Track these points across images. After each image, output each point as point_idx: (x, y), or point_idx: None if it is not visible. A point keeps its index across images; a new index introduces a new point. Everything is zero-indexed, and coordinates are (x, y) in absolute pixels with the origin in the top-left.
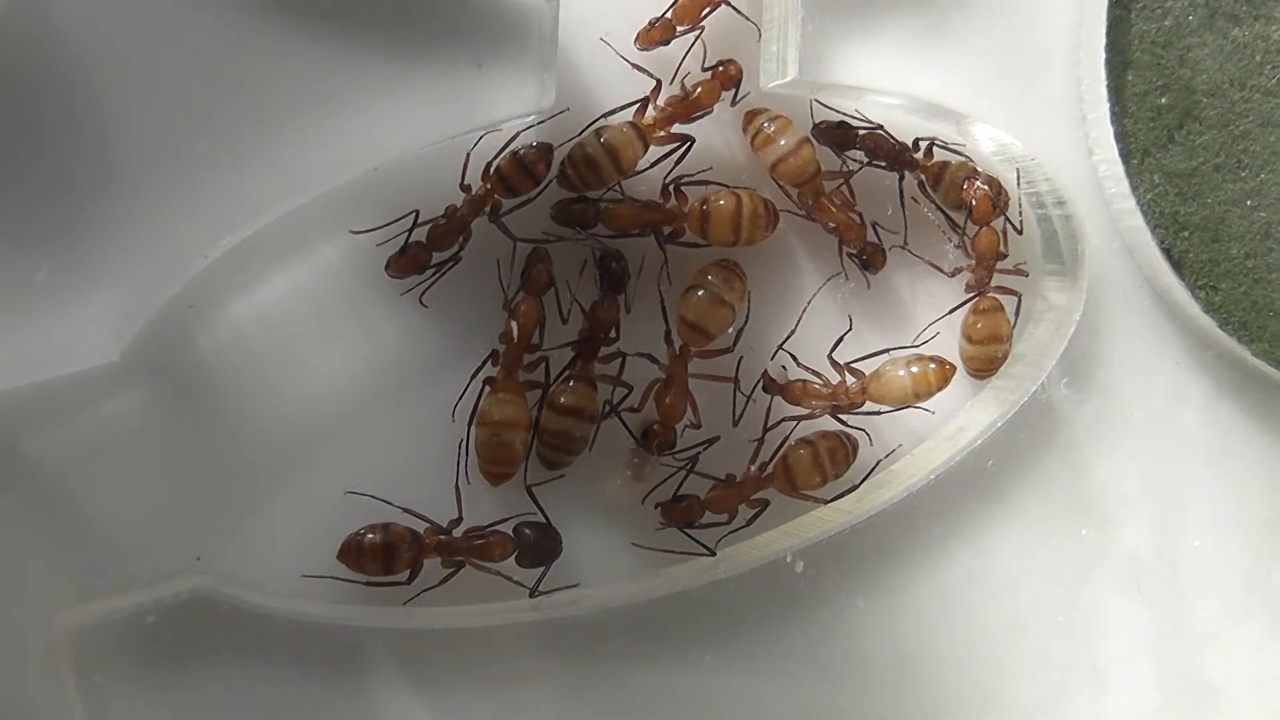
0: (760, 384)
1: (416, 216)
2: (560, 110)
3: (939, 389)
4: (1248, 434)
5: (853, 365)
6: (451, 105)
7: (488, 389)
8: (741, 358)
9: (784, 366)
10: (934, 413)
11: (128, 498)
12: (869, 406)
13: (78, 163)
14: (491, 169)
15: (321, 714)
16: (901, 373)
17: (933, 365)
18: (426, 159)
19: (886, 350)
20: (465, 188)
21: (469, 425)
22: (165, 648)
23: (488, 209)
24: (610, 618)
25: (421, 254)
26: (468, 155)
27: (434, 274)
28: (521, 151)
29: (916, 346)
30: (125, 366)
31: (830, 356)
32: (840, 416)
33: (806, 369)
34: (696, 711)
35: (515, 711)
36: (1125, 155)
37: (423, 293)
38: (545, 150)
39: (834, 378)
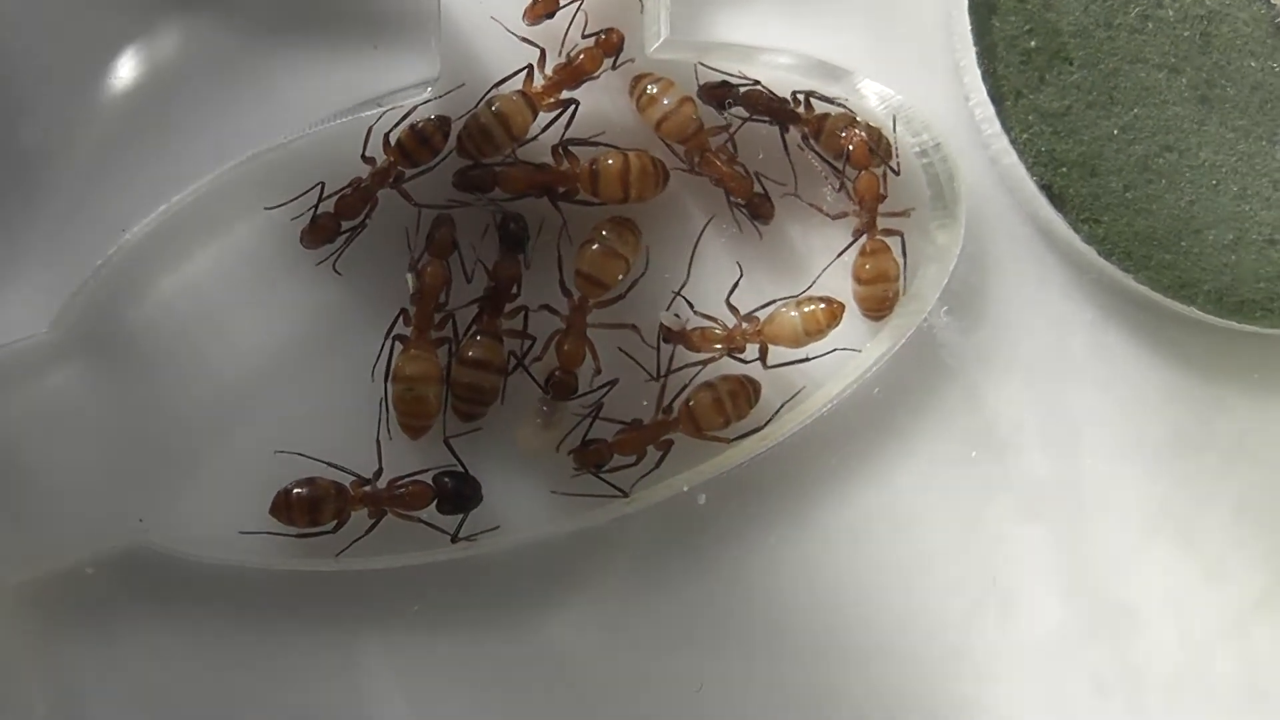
0: (659, 334)
1: (323, 188)
2: (457, 85)
3: (829, 327)
4: (1136, 359)
5: (752, 313)
6: (351, 83)
7: (400, 347)
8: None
9: (677, 314)
10: (860, 350)
11: (69, 465)
12: (786, 355)
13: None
14: (392, 141)
15: (260, 657)
16: (793, 313)
17: (821, 305)
18: (330, 136)
19: (785, 299)
20: (369, 160)
21: (385, 382)
22: (107, 600)
23: (391, 179)
24: (525, 554)
25: (330, 224)
26: (369, 130)
27: (344, 243)
28: (420, 124)
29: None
30: (56, 340)
31: (727, 302)
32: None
33: (703, 315)
34: (608, 641)
35: (441, 643)
36: (998, 98)
37: (335, 261)
38: (442, 122)
39: (731, 323)
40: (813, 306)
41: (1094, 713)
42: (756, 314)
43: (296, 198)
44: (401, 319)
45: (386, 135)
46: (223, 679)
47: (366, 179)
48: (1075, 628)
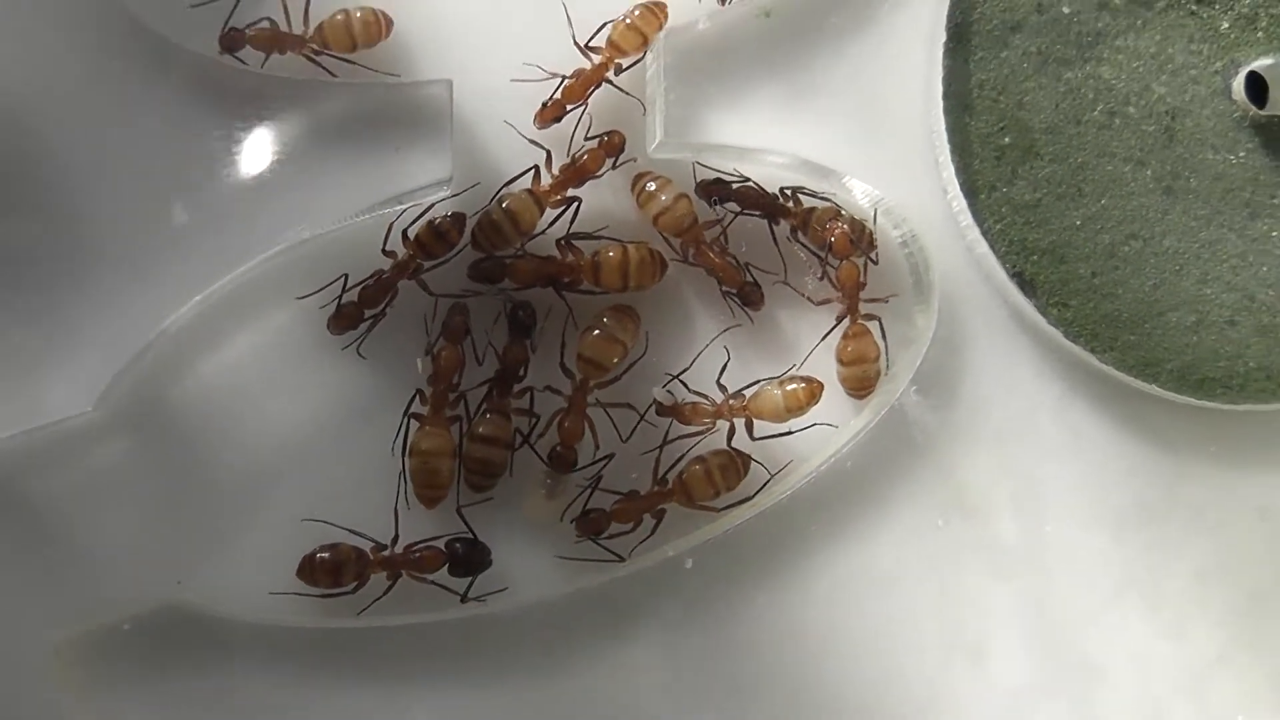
0: (653, 407)
1: (346, 280)
2: (472, 185)
3: (809, 404)
4: (1101, 432)
5: (739, 390)
6: (374, 183)
7: (416, 425)
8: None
9: (670, 391)
10: (836, 426)
11: (113, 532)
12: (770, 429)
13: (48, 241)
14: (411, 236)
15: (291, 709)
16: (776, 391)
17: (802, 384)
18: (354, 231)
19: (771, 378)
20: (389, 253)
21: (403, 456)
22: (146, 656)
23: (410, 271)
24: (530, 614)
25: (354, 312)
26: (390, 225)
27: (367, 329)
28: (437, 220)
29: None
30: (102, 418)
31: (717, 381)
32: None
33: (694, 392)
34: (602, 692)
35: (453, 693)
36: (973, 191)
37: (358, 345)
38: (458, 219)
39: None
40: (795, 385)
41: None
42: (743, 391)
43: (323, 288)
44: (418, 399)
45: (405, 231)
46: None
47: (387, 271)
48: (1041, 683)
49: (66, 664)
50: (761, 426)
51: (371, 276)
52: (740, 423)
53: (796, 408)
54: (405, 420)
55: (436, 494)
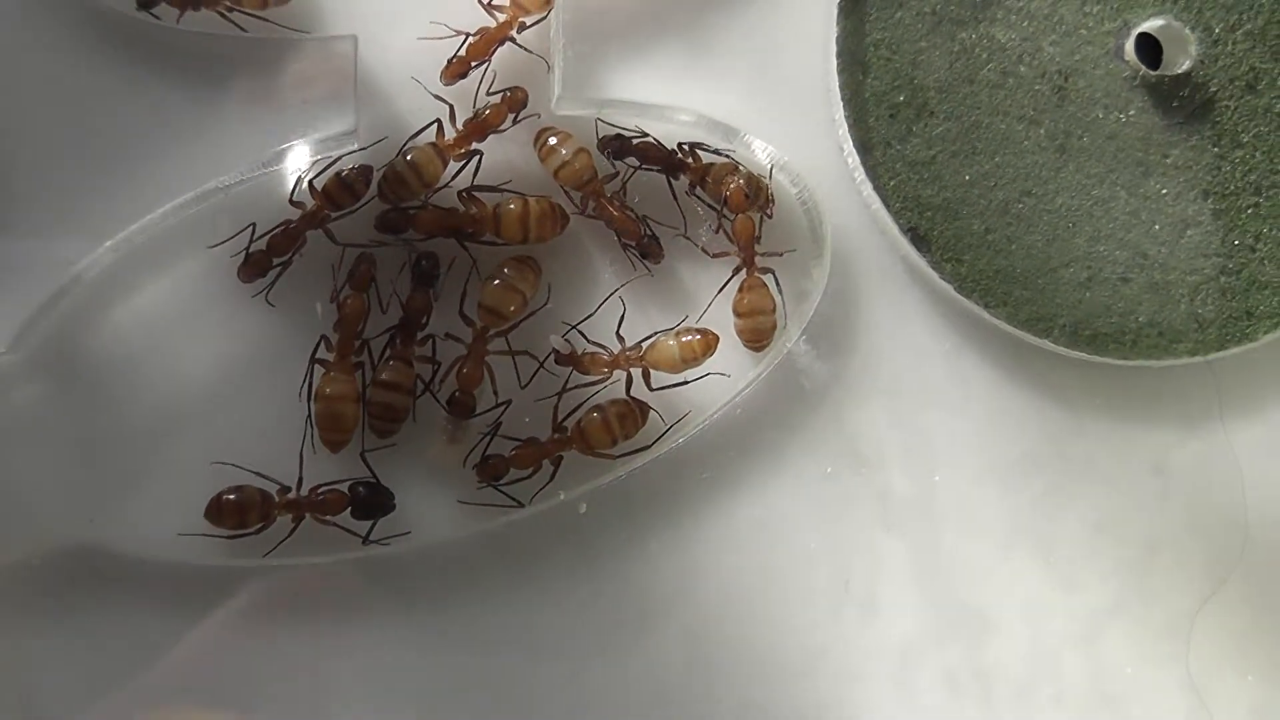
0: (551, 356)
1: (254, 229)
2: (380, 139)
3: (704, 356)
4: (992, 386)
5: (639, 342)
6: (283, 134)
7: (321, 370)
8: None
9: (567, 339)
10: (729, 376)
11: (24, 471)
12: (667, 379)
13: None
14: (318, 187)
15: (195, 645)
16: (671, 342)
17: (697, 335)
18: (263, 182)
19: (667, 329)
20: (297, 204)
21: (309, 401)
22: (52, 592)
23: (318, 221)
24: (432, 555)
25: (263, 260)
26: (298, 177)
27: (275, 276)
28: (344, 173)
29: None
30: (15, 360)
31: (617, 333)
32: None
33: (593, 343)
34: (498, 634)
35: (351, 631)
36: (867, 148)
37: (266, 293)
38: (364, 171)
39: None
40: (689, 337)
41: (946, 712)
42: (641, 343)
43: (233, 237)
44: (323, 344)
45: (311, 182)
46: (161, 667)
47: (295, 221)
48: (932, 633)
49: None
50: (659, 377)
51: (279, 226)
52: (638, 373)
53: (692, 359)
54: (311, 366)
55: (340, 438)
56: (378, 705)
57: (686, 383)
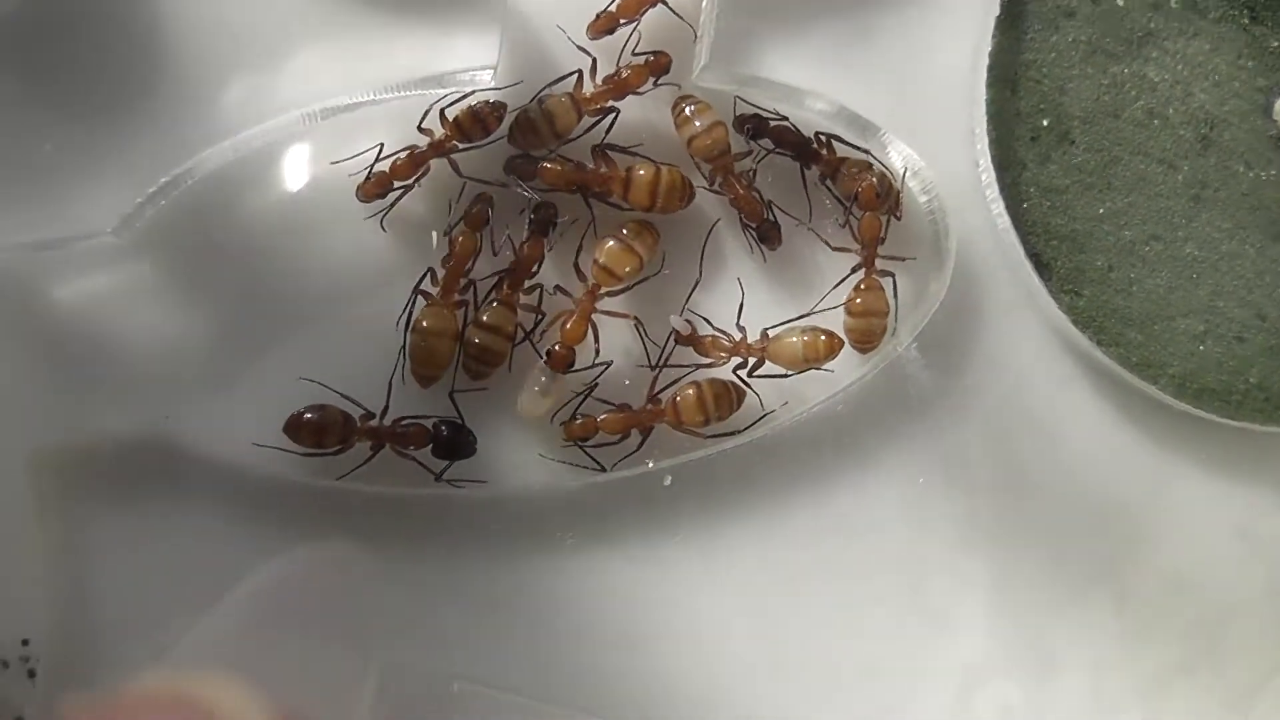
0: (671, 335)
1: (381, 148)
2: (516, 81)
3: (826, 358)
4: (1091, 423)
5: (765, 330)
6: (419, 58)
7: (423, 302)
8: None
9: (688, 320)
10: (833, 371)
11: (111, 353)
12: (773, 369)
13: (107, 58)
14: (450, 117)
15: (251, 552)
16: (795, 339)
17: (823, 336)
18: (392, 106)
19: (789, 321)
20: (425, 131)
21: (405, 332)
22: (121, 479)
23: (444, 151)
24: (503, 505)
25: (385, 181)
26: (431, 105)
27: (394, 200)
28: (478, 105)
29: (808, 315)
30: (119, 242)
31: (738, 321)
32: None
33: (715, 327)
34: (565, 594)
35: (416, 566)
36: (1004, 167)
37: (382, 217)
38: (498, 107)
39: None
40: (813, 336)
41: None
42: (766, 331)
43: (359, 154)
44: (429, 277)
45: (444, 111)
46: (216, 567)
47: (423, 146)
48: (994, 661)
49: (40, 469)
50: (769, 367)
51: (405, 150)
52: (751, 360)
53: (814, 359)
54: (414, 296)
55: (432, 373)
56: (419, 639)
57: (787, 375)
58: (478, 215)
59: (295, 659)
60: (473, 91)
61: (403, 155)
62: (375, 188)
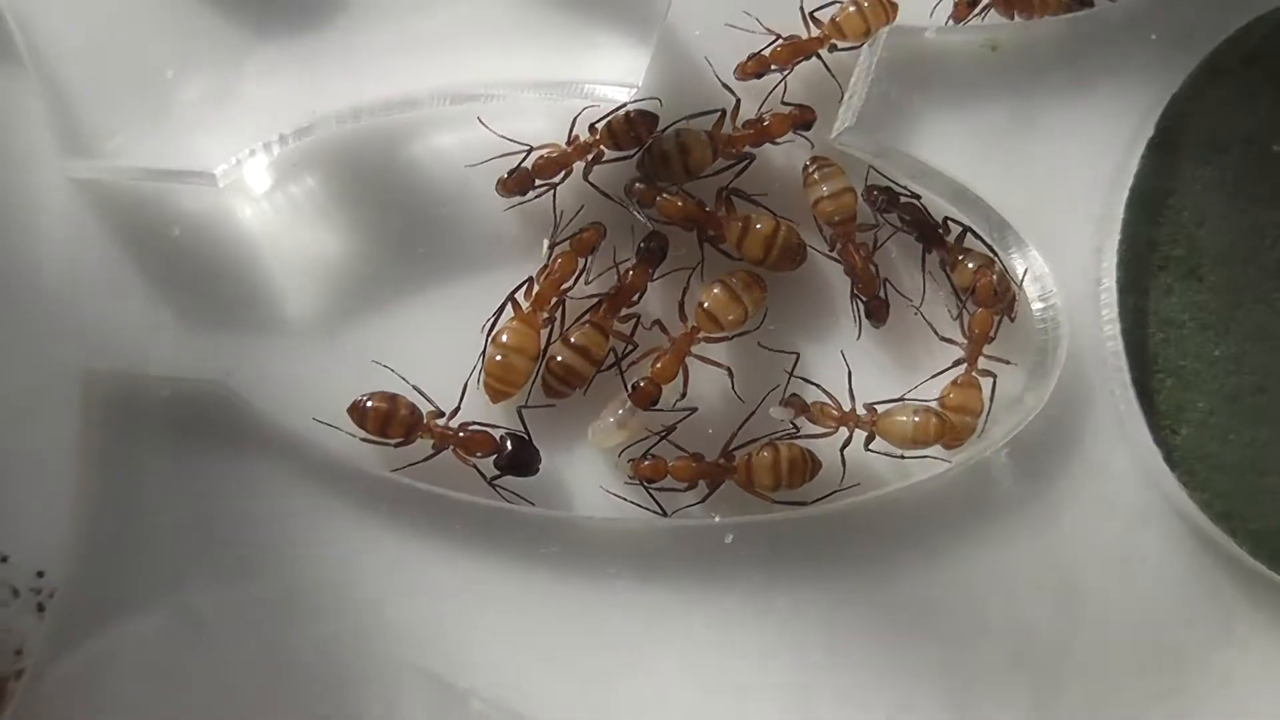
0: (783, 401)
1: (529, 150)
2: (651, 97)
3: (935, 441)
4: (1162, 565)
5: (873, 404)
6: (563, 63)
7: (512, 311)
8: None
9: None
10: (951, 463)
11: (196, 298)
12: (878, 445)
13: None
14: (602, 124)
15: (276, 519)
16: (905, 418)
17: (934, 419)
18: (524, 105)
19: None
20: (573, 139)
21: (487, 338)
22: (168, 420)
23: (590, 156)
24: (551, 526)
25: (526, 178)
26: (575, 118)
27: (533, 195)
28: (633, 114)
29: (901, 400)
30: (223, 187)
31: (850, 390)
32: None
33: (826, 393)
34: (603, 630)
35: (444, 569)
36: (1126, 290)
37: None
38: (651, 118)
39: (845, 404)
40: (928, 419)
41: None
42: (876, 406)
43: (505, 155)
44: (525, 288)
45: (594, 121)
46: (251, 534)
47: (570, 148)
48: None
49: (92, 391)
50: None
51: (549, 147)
52: (860, 434)
53: (922, 441)
54: (505, 302)
55: (506, 390)
56: (445, 649)
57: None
58: (587, 240)
59: None
60: (624, 105)
61: (548, 153)
62: (516, 184)
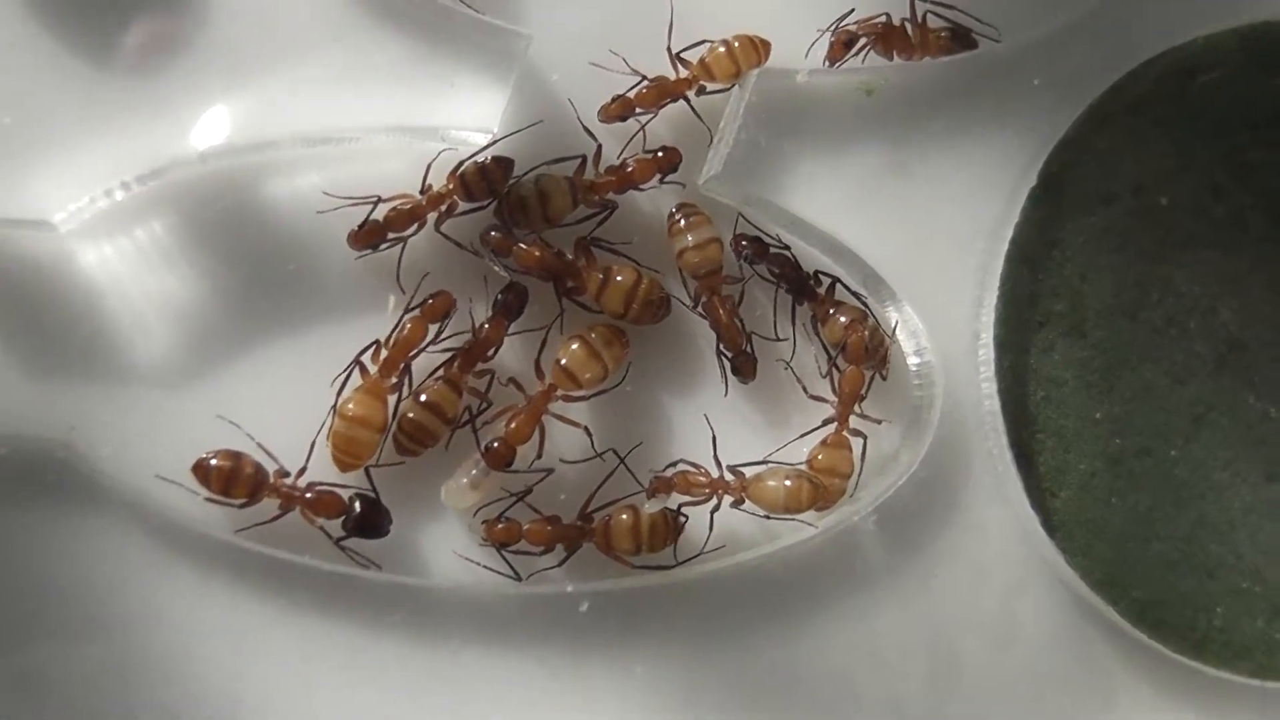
0: (650, 490)
1: (378, 201)
2: (514, 130)
3: (808, 508)
4: (1040, 636)
5: (737, 467)
6: (417, 106)
7: (359, 376)
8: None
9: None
10: (817, 528)
11: (38, 350)
12: (747, 506)
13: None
14: (458, 172)
15: (115, 579)
16: (775, 483)
17: (809, 484)
18: (378, 148)
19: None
20: (426, 188)
21: (334, 405)
22: (15, 482)
23: (444, 207)
24: (398, 591)
25: (378, 231)
26: (429, 164)
27: (389, 247)
28: (486, 163)
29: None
30: (65, 234)
31: (715, 455)
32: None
33: (687, 462)
34: (453, 696)
35: (284, 635)
36: (1004, 348)
37: (396, 274)
38: (507, 164)
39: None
40: (800, 484)
41: None
42: (743, 470)
43: (354, 202)
44: (372, 351)
45: (455, 167)
46: (100, 585)
47: (423, 199)
48: None
49: None
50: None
51: (404, 201)
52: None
53: (795, 508)
54: (354, 364)
55: (353, 462)
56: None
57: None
58: (436, 307)
59: None
60: (484, 148)
61: (400, 204)
62: (367, 237)
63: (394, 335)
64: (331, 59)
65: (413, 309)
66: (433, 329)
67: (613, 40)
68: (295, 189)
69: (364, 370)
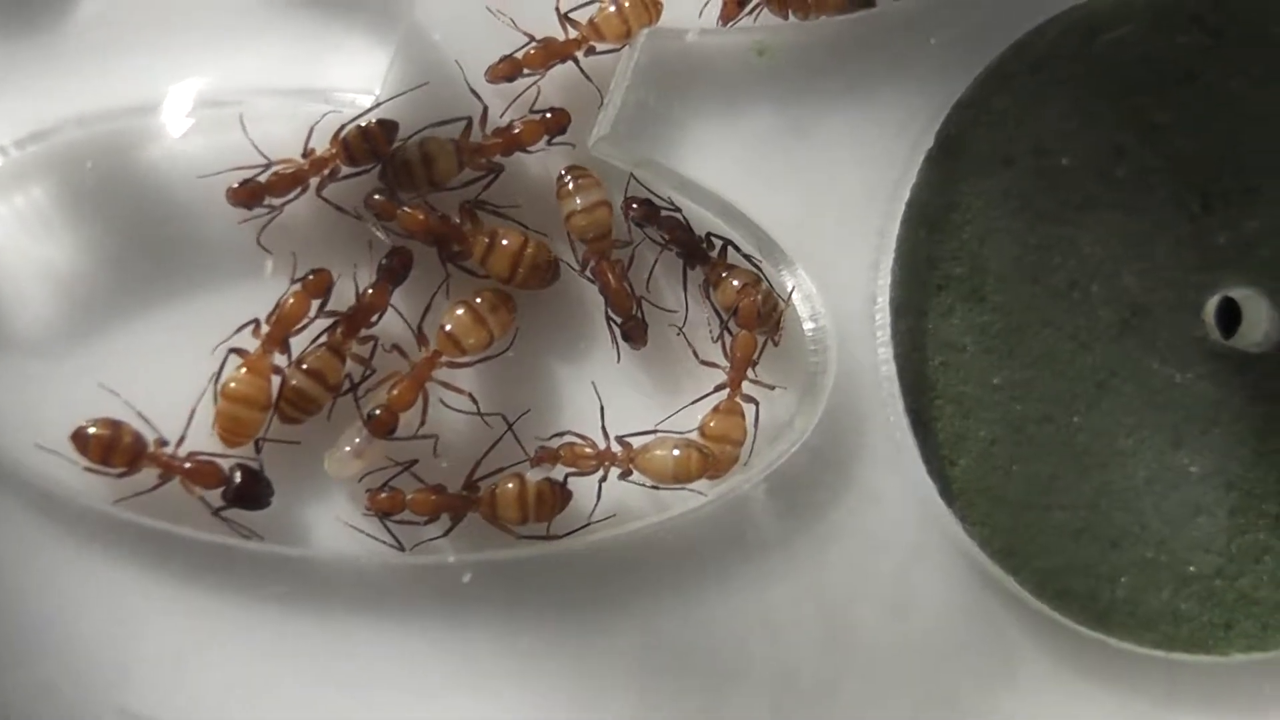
0: (533, 459)
1: (269, 164)
2: (386, 99)
3: (699, 477)
4: (936, 605)
5: (624, 437)
6: (300, 68)
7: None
8: None
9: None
10: (708, 496)
11: None
12: (636, 477)
13: None
14: (340, 135)
15: (8, 557)
16: (664, 453)
17: (696, 453)
18: (265, 109)
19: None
20: (309, 152)
21: (216, 380)
22: None
23: (327, 171)
24: (282, 560)
25: (257, 191)
26: (312, 128)
27: (266, 218)
28: (369, 126)
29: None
30: None
31: (603, 426)
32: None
33: (575, 434)
34: (336, 668)
35: (172, 608)
36: (902, 312)
37: (259, 236)
38: (391, 127)
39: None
40: (689, 453)
41: None
42: (630, 440)
43: (240, 168)
44: (253, 328)
45: (338, 130)
46: None
47: (306, 163)
48: None
49: None
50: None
51: (285, 164)
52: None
53: (683, 478)
54: (238, 331)
55: (239, 440)
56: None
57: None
58: (317, 283)
59: None
60: (367, 111)
61: (282, 169)
62: (245, 194)
63: (274, 311)
64: (214, 21)
65: (295, 282)
66: (315, 305)
67: (500, 0)
68: (177, 153)
69: (243, 350)
